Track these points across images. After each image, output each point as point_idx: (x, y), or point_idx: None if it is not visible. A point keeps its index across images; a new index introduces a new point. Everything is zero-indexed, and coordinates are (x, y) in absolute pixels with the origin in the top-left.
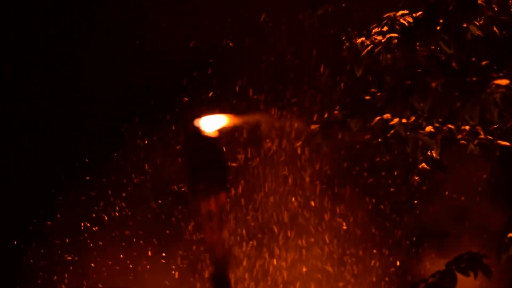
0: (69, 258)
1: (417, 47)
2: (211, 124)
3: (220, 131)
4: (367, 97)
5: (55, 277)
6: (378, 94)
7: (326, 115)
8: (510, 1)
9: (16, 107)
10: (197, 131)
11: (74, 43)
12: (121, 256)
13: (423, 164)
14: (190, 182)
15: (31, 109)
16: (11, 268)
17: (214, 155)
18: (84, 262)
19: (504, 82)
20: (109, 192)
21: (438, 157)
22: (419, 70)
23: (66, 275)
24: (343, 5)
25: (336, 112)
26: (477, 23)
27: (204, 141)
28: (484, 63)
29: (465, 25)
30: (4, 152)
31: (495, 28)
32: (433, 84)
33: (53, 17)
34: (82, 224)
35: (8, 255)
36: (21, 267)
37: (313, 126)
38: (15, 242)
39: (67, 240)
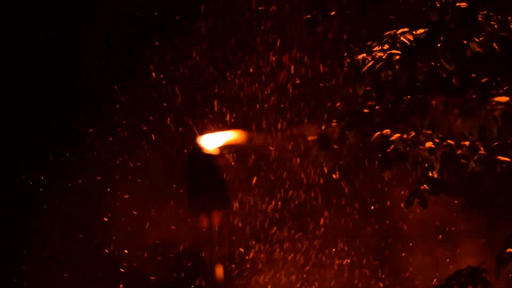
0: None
1: (418, 64)
2: (212, 141)
3: (221, 148)
4: (366, 110)
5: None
6: (377, 107)
7: (323, 127)
8: (510, 18)
9: (16, 107)
10: (198, 148)
11: (74, 43)
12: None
13: (425, 185)
14: (190, 199)
15: (31, 109)
16: (11, 267)
17: (214, 172)
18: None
19: (504, 99)
20: (110, 192)
21: (438, 176)
22: (418, 84)
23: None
24: (346, 26)
25: (333, 124)
26: (477, 39)
27: (204, 159)
28: (484, 80)
29: (465, 42)
30: (4, 152)
31: (494, 45)
32: (433, 102)
33: (53, 17)
34: (82, 223)
35: (7, 255)
36: (20, 266)
37: (310, 138)
38: (15, 242)
39: (66, 240)
